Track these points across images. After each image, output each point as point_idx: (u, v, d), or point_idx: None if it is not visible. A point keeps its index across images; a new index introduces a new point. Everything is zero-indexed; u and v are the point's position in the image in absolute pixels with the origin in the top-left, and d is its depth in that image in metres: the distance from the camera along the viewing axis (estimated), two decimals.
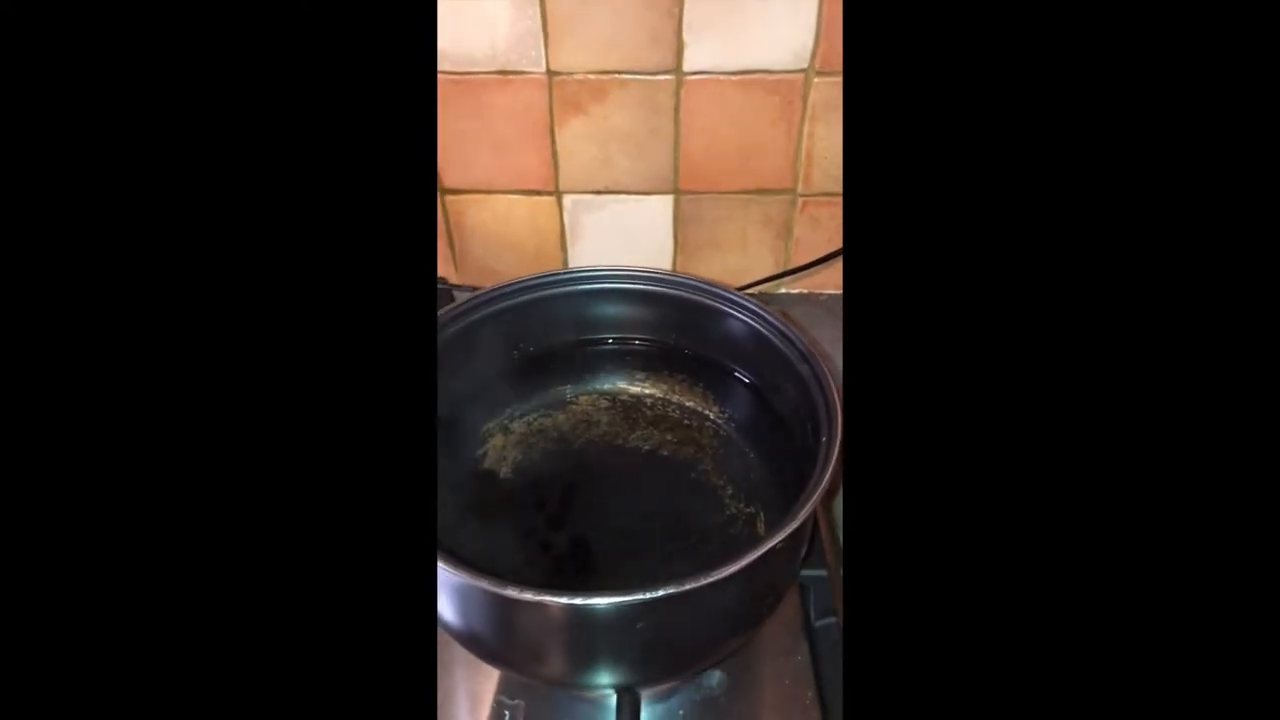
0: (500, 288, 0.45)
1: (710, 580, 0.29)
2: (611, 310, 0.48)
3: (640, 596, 0.28)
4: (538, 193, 0.65)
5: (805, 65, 0.58)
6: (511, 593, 0.29)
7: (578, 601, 0.28)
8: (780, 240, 0.67)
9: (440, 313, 0.43)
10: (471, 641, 0.36)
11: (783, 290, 0.70)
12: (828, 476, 0.34)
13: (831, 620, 0.42)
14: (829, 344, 0.65)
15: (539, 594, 0.29)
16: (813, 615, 0.43)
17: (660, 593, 0.28)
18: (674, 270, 0.69)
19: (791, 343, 0.41)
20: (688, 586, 0.28)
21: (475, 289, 0.67)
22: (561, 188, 0.64)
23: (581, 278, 0.46)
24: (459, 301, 0.44)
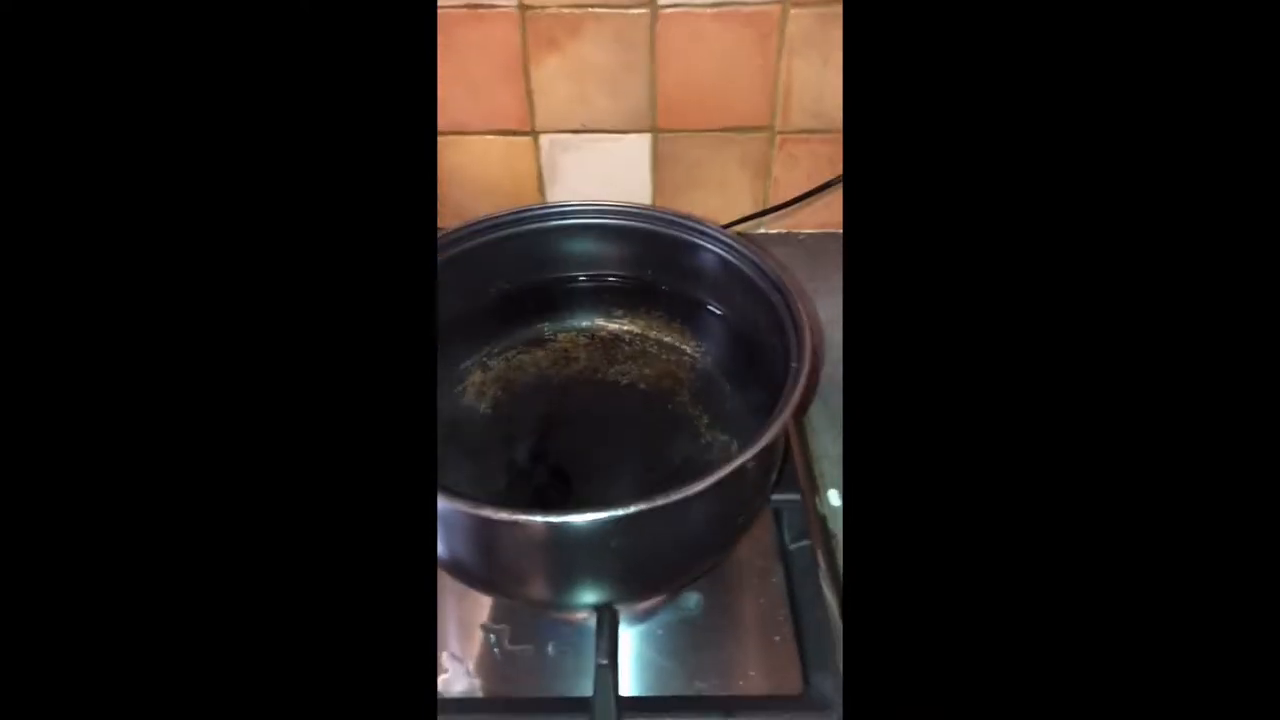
0: (474, 223, 0.45)
1: (682, 496, 0.30)
2: (588, 246, 0.48)
3: (614, 513, 0.29)
4: (514, 133, 0.64)
5: None
6: (491, 513, 0.29)
7: (554, 519, 0.29)
8: (759, 180, 0.67)
9: None
10: (456, 568, 0.37)
11: (761, 230, 0.70)
12: (796, 395, 0.35)
13: (805, 543, 0.44)
14: (807, 281, 0.65)
15: (516, 513, 0.29)
16: (786, 539, 0.44)
17: (633, 509, 0.29)
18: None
19: (763, 272, 0.41)
20: (659, 502, 0.29)
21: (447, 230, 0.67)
22: (538, 127, 0.64)
23: (555, 213, 0.47)
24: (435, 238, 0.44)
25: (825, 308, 0.61)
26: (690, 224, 0.45)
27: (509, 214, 0.46)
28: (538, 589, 0.35)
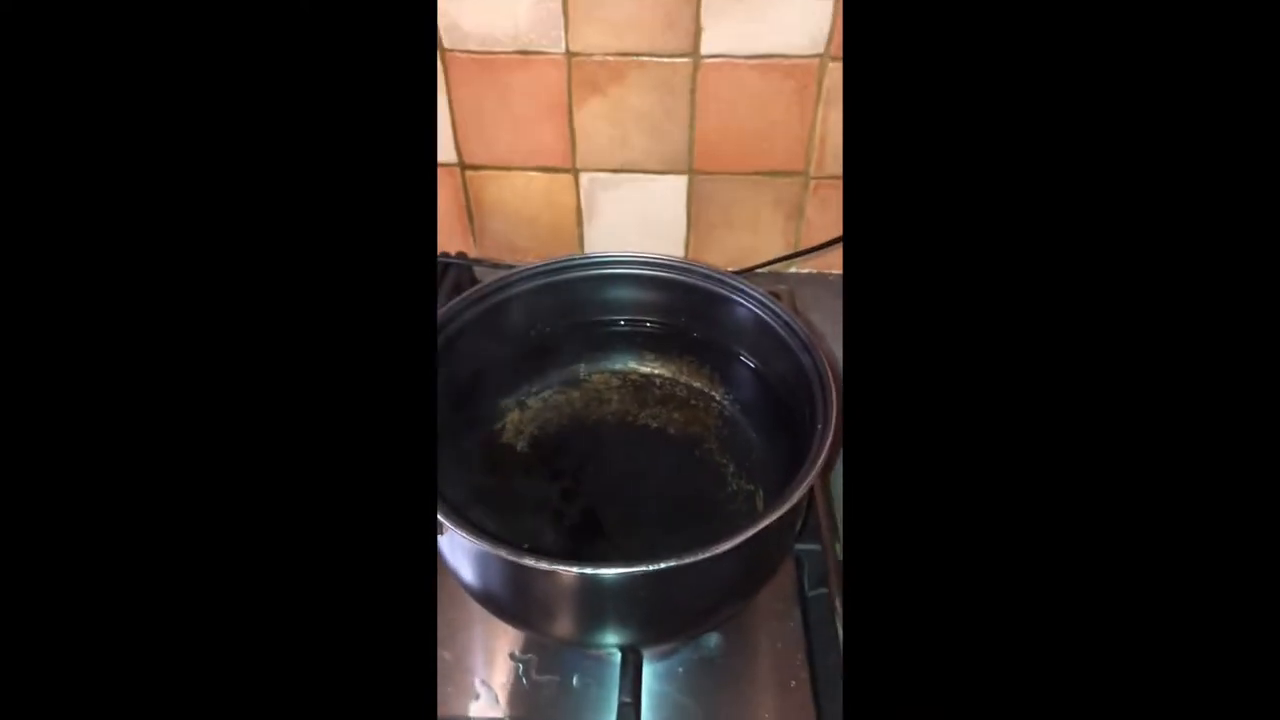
0: (521, 271, 0.47)
1: (710, 555, 0.31)
2: (624, 294, 0.50)
3: (645, 568, 0.31)
4: (555, 170, 0.66)
5: (821, 50, 0.59)
6: (529, 562, 0.32)
7: (587, 571, 0.31)
8: (791, 221, 0.69)
9: (464, 295, 0.46)
10: (490, 603, 0.39)
11: (793, 270, 0.72)
12: (822, 458, 0.36)
13: (823, 591, 0.45)
14: (835, 323, 0.67)
15: (553, 564, 0.32)
16: (806, 586, 0.46)
17: (663, 565, 0.31)
18: (687, 249, 0.71)
19: (794, 332, 0.43)
20: (688, 560, 0.31)
21: (493, 263, 0.70)
22: (579, 165, 0.66)
23: (597, 263, 0.49)
24: (483, 284, 0.47)
25: None
26: (724, 278, 0.47)
27: (553, 263, 0.48)
28: (567, 629, 0.37)
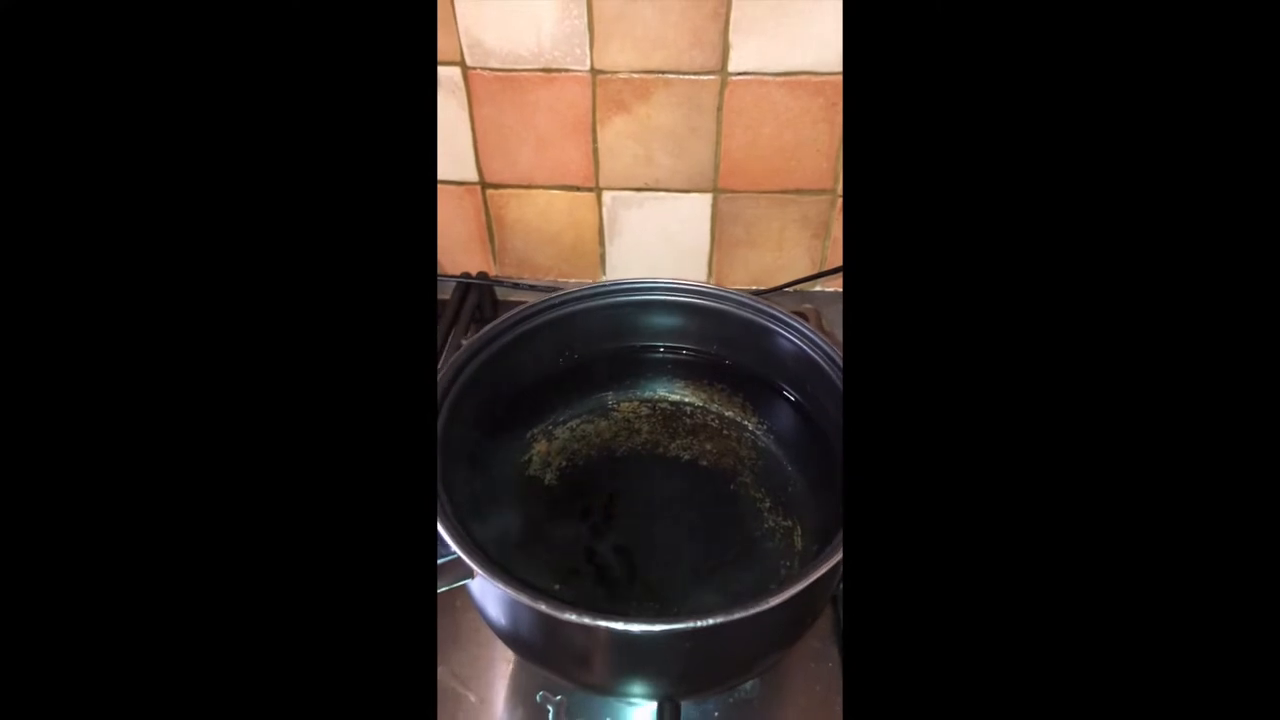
0: (552, 299, 0.46)
1: (755, 611, 0.30)
2: (654, 320, 0.49)
3: (686, 625, 0.30)
4: (578, 188, 0.65)
5: None
6: (566, 616, 0.30)
7: (629, 628, 0.30)
8: (817, 240, 0.67)
9: (496, 322, 0.45)
10: (520, 648, 0.38)
11: (818, 289, 0.71)
12: None
13: None
14: None
15: (591, 618, 0.30)
16: (844, 626, 0.44)
17: (707, 622, 0.30)
18: (710, 268, 0.69)
19: (835, 363, 0.41)
20: (734, 616, 0.30)
21: (514, 282, 0.69)
22: (602, 184, 0.65)
23: (629, 289, 0.47)
24: (514, 311, 0.46)
25: None
26: (763, 308, 0.45)
27: (583, 290, 0.47)
28: (602, 680, 0.36)
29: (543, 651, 0.36)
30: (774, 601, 0.30)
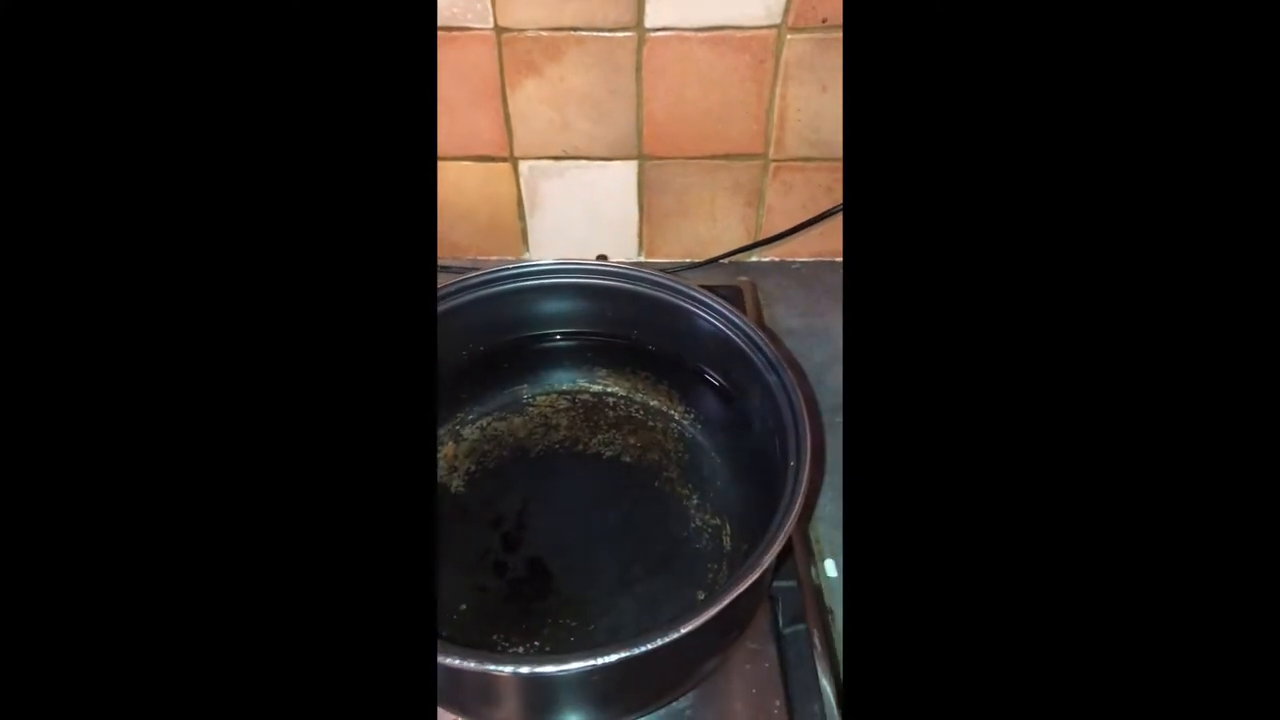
0: (450, 286, 0.42)
1: (677, 636, 0.27)
2: (568, 305, 0.45)
3: (595, 662, 0.26)
4: (490, 158, 0.60)
5: (778, 21, 0.53)
6: (454, 661, 0.26)
7: (524, 671, 0.26)
8: (751, 208, 0.64)
9: None
10: None
11: (754, 259, 0.67)
12: (798, 504, 0.32)
13: (801, 627, 0.41)
14: (801, 314, 0.62)
15: (483, 663, 0.26)
16: (781, 623, 0.42)
17: (616, 657, 0.26)
18: (641, 241, 0.65)
19: (760, 349, 0.38)
20: (650, 646, 0.26)
21: None
22: (516, 153, 0.60)
23: (535, 271, 0.43)
24: None
25: (820, 346, 0.59)
26: (680, 288, 0.42)
27: (482, 274, 0.42)
28: (510, 717, 0.33)
29: (451, 697, 0.32)
30: (695, 624, 0.27)
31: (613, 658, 0.26)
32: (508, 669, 0.26)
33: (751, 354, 0.38)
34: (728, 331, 0.39)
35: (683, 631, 0.27)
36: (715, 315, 0.40)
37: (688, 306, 0.41)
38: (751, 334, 0.38)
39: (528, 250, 0.66)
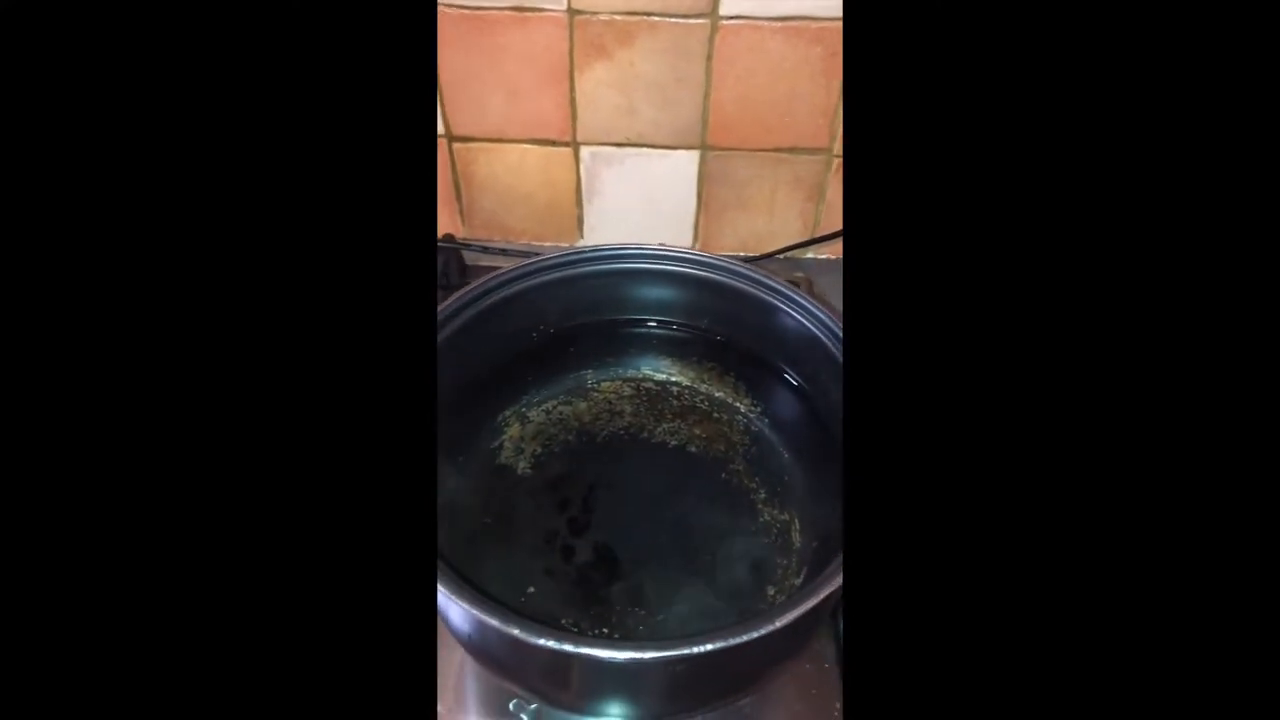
0: (526, 266, 0.41)
1: (754, 636, 0.26)
2: (640, 291, 0.44)
3: (675, 653, 0.26)
4: (553, 143, 0.60)
5: None
6: (536, 640, 0.26)
7: (611, 655, 0.26)
8: (810, 203, 0.63)
9: (463, 292, 0.40)
10: (490, 664, 0.34)
11: (810, 255, 0.66)
12: None
13: None
14: None
15: (568, 643, 0.26)
16: (841, 624, 0.41)
17: (699, 649, 0.26)
18: (696, 231, 0.65)
19: (840, 340, 0.37)
20: (731, 642, 0.26)
21: (483, 245, 0.63)
22: (579, 138, 0.59)
23: (612, 255, 0.43)
24: (483, 279, 0.41)
25: None
26: (762, 279, 0.41)
27: (558, 256, 0.42)
28: (580, 704, 0.32)
29: (515, 671, 0.32)
30: (779, 623, 0.26)
31: (698, 649, 0.26)
32: (602, 652, 0.26)
33: (834, 347, 0.37)
34: (810, 325, 0.39)
35: (769, 629, 0.27)
36: (797, 308, 0.39)
37: (767, 298, 0.41)
38: (835, 328, 0.38)
39: (582, 237, 0.66)
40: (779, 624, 0.26)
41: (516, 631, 0.26)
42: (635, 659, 0.26)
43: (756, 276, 0.41)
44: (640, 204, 0.63)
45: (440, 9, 0.53)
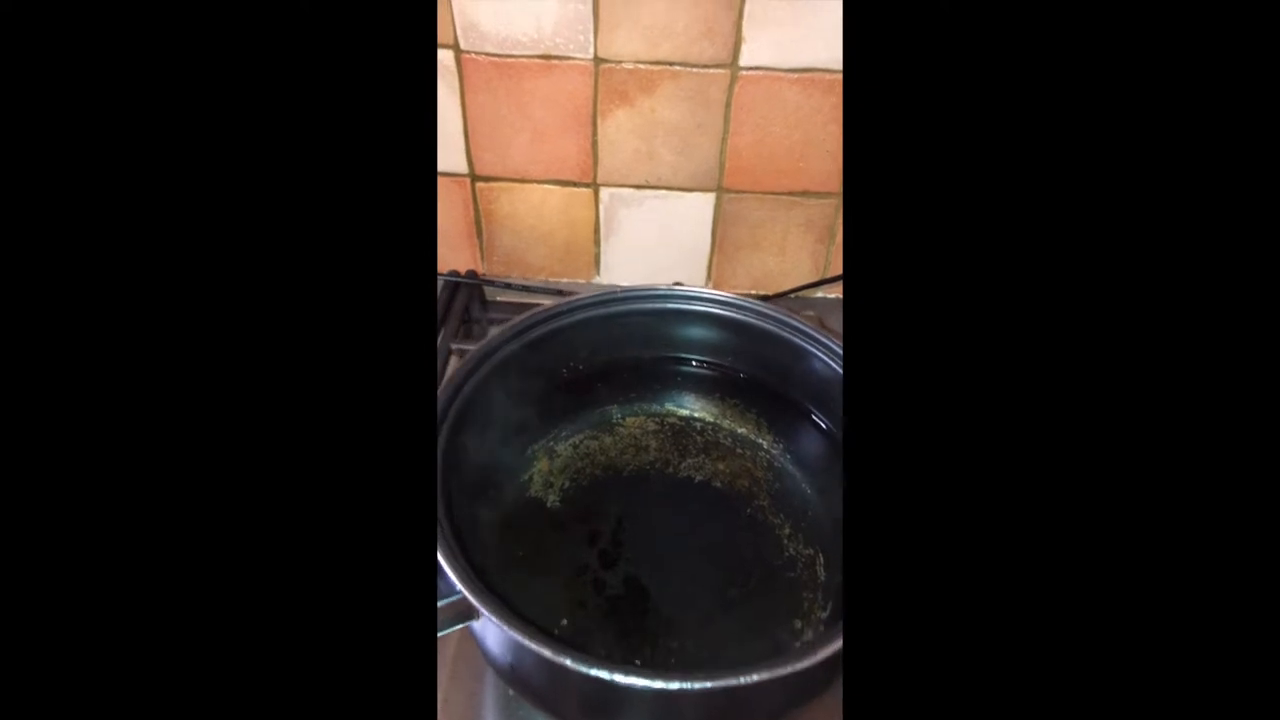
0: (559, 306, 0.43)
1: (792, 670, 0.27)
2: (667, 330, 0.46)
3: (720, 684, 0.27)
4: (574, 184, 0.62)
5: None
6: (590, 670, 0.27)
7: (664, 685, 0.27)
8: (821, 245, 0.65)
9: (499, 331, 0.41)
10: (524, 690, 0.34)
11: (820, 294, 0.68)
12: None
13: None
14: None
15: (619, 674, 0.27)
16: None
17: (741, 680, 0.27)
18: (710, 270, 0.66)
19: None
20: (772, 674, 0.27)
21: (504, 282, 0.65)
22: (600, 180, 0.61)
23: (640, 296, 0.44)
24: (519, 318, 0.42)
25: None
26: (789, 320, 0.43)
27: (587, 298, 0.44)
28: None
29: (550, 698, 0.33)
30: (818, 657, 0.27)
31: (741, 680, 0.27)
32: (656, 683, 0.26)
33: None
34: (836, 369, 0.40)
35: (808, 662, 0.28)
36: (822, 349, 0.41)
37: (795, 340, 0.42)
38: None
39: (599, 274, 0.68)
40: (824, 654, 0.27)
41: (568, 661, 0.27)
42: (685, 689, 0.27)
43: (779, 316, 0.43)
44: (656, 243, 0.65)
45: (470, 56, 0.55)
